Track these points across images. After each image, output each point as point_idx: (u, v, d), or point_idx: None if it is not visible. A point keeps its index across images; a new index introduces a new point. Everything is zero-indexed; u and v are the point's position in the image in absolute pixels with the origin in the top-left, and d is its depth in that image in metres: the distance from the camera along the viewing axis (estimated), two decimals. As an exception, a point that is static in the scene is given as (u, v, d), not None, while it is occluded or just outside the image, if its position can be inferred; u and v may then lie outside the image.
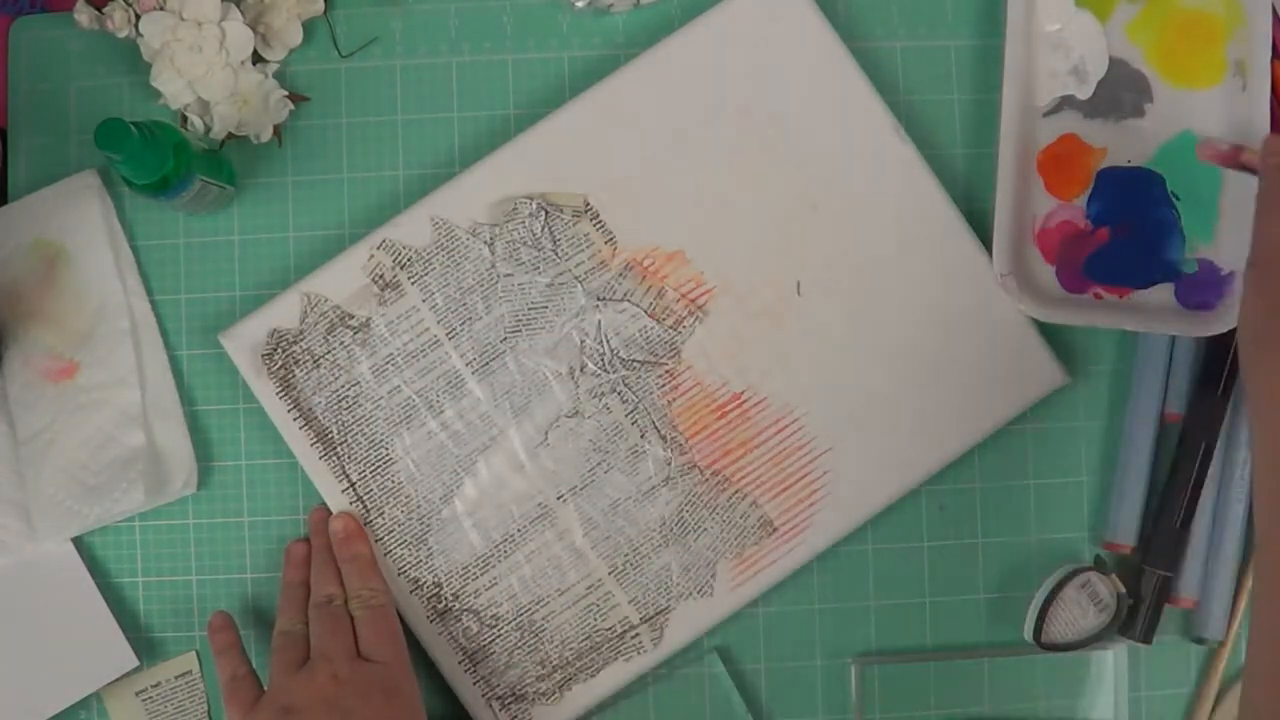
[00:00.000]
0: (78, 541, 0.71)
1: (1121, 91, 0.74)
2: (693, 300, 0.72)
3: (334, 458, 0.71)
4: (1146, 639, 0.73)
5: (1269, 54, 0.73)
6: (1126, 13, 0.74)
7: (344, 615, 0.67)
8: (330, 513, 0.71)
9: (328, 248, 0.73)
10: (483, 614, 0.71)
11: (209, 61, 0.70)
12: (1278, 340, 0.57)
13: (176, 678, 0.72)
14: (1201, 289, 0.73)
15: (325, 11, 0.74)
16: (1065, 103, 0.74)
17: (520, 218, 0.71)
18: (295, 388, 0.70)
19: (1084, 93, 0.74)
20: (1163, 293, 0.73)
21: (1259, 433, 0.58)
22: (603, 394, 0.71)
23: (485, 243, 0.71)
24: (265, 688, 0.67)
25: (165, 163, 0.64)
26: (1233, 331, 0.71)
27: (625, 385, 0.71)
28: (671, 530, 0.71)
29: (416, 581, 0.71)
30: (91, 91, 0.74)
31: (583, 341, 0.71)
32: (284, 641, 0.67)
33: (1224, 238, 0.73)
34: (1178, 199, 0.74)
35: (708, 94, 0.72)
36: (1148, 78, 0.74)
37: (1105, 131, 0.74)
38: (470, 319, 0.71)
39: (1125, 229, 0.74)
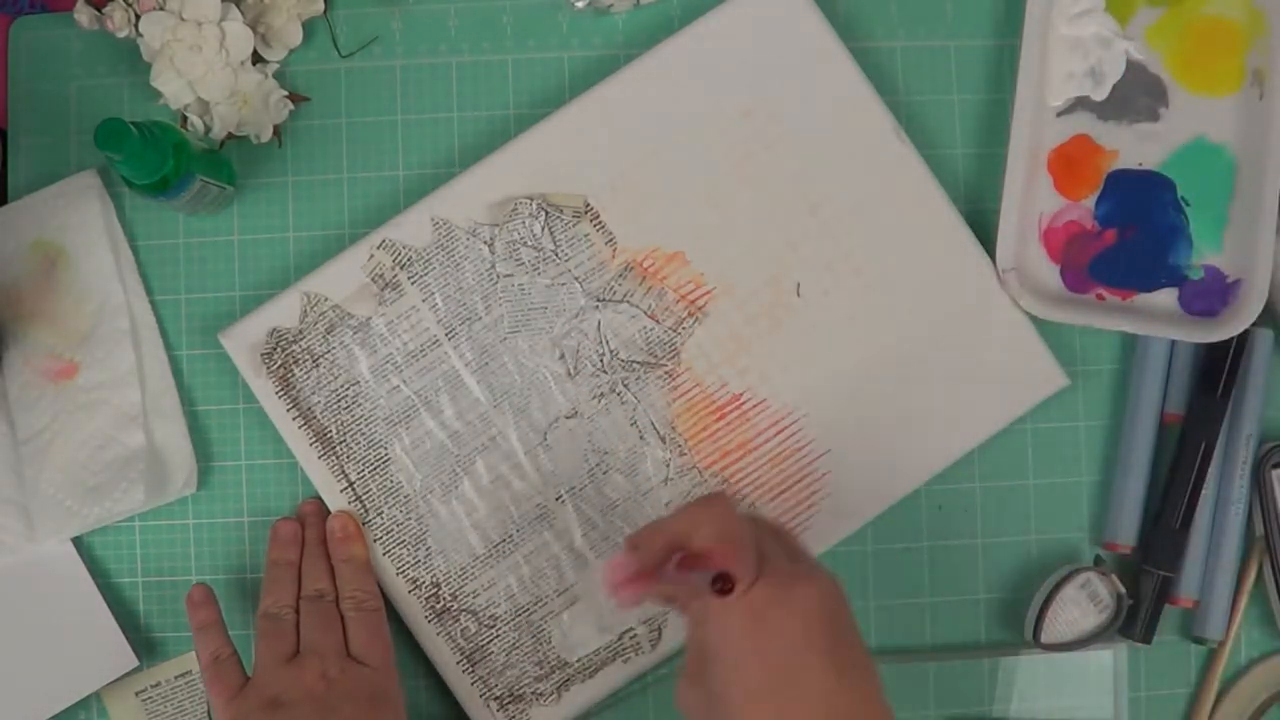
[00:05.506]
0: (78, 541, 0.71)
1: (1137, 95, 0.74)
2: (692, 301, 0.72)
3: (333, 457, 0.71)
4: (1146, 639, 0.73)
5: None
6: (1147, 17, 0.74)
7: (336, 612, 0.67)
8: (322, 505, 0.71)
9: (328, 248, 0.73)
10: (481, 614, 0.71)
11: (209, 61, 0.70)
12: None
13: (176, 678, 0.72)
14: (1206, 295, 0.73)
15: (325, 11, 0.73)
16: (1079, 103, 0.74)
17: (520, 218, 0.71)
18: (294, 387, 0.70)
19: (1099, 94, 0.74)
20: (1167, 297, 0.73)
21: None
22: (602, 395, 0.71)
23: (485, 243, 0.71)
24: (248, 671, 0.66)
25: (165, 163, 0.64)
26: (1234, 336, 0.71)
27: (624, 386, 0.71)
28: (670, 531, 0.71)
29: (415, 581, 0.71)
30: (91, 91, 0.74)
31: (582, 342, 0.71)
32: (272, 627, 0.66)
33: (1232, 246, 0.73)
34: (1187, 204, 0.74)
35: (708, 94, 0.72)
36: (1164, 83, 0.74)
37: (1118, 134, 0.74)
38: (470, 319, 0.71)
39: (1132, 231, 0.74)
